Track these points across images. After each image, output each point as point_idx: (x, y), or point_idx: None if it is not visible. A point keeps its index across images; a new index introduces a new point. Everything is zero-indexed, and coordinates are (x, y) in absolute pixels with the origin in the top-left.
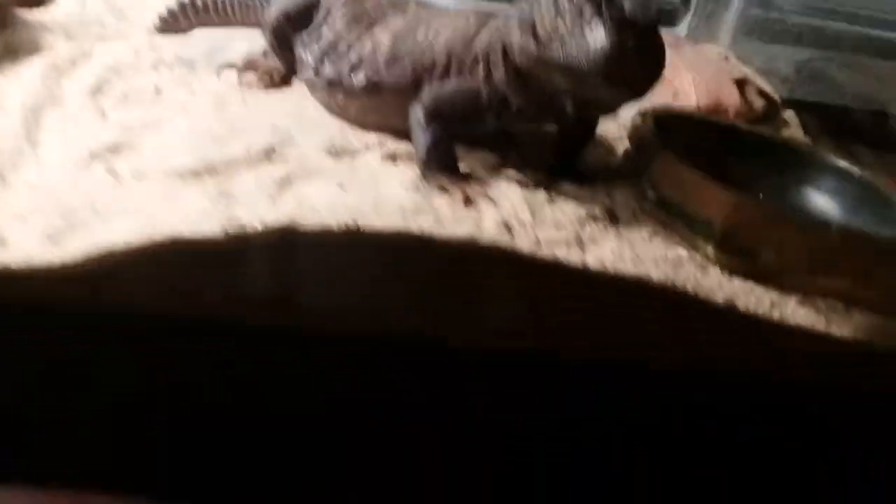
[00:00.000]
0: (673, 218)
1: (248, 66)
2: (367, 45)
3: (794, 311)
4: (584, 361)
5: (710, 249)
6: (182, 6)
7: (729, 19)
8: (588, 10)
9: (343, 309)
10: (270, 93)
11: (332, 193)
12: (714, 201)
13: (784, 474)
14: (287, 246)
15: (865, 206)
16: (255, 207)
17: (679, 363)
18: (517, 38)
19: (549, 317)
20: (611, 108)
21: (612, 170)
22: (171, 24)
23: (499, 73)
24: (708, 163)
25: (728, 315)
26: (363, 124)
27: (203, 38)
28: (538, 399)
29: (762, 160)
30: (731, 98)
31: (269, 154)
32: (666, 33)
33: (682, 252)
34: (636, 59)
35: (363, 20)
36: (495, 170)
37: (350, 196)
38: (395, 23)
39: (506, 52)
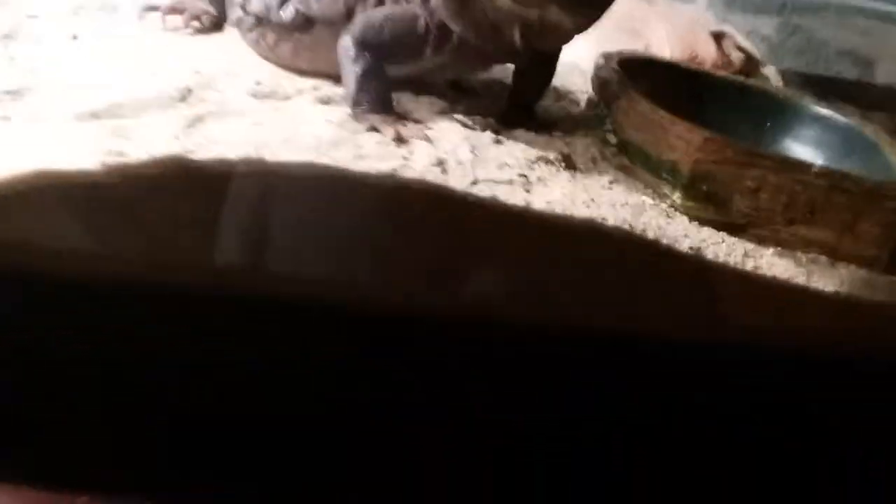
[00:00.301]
0: (637, 163)
1: (174, 9)
2: None
3: (770, 263)
4: (524, 319)
5: (676, 196)
6: None
7: None
8: None
9: (238, 259)
10: (198, 37)
11: (244, 131)
12: (679, 141)
13: (755, 445)
14: (176, 182)
15: (851, 154)
16: (152, 145)
17: (637, 321)
18: None
19: (485, 264)
20: (559, 28)
21: (575, 119)
22: None
23: None
24: (678, 111)
25: (694, 264)
26: (296, 67)
27: None
28: (463, 363)
29: (739, 108)
30: (707, 50)
31: (184, 96)
32: None
33: (646, 199)
34: None
35: None
36: (441, 114)
37: (263, 131)
38: None
39: None
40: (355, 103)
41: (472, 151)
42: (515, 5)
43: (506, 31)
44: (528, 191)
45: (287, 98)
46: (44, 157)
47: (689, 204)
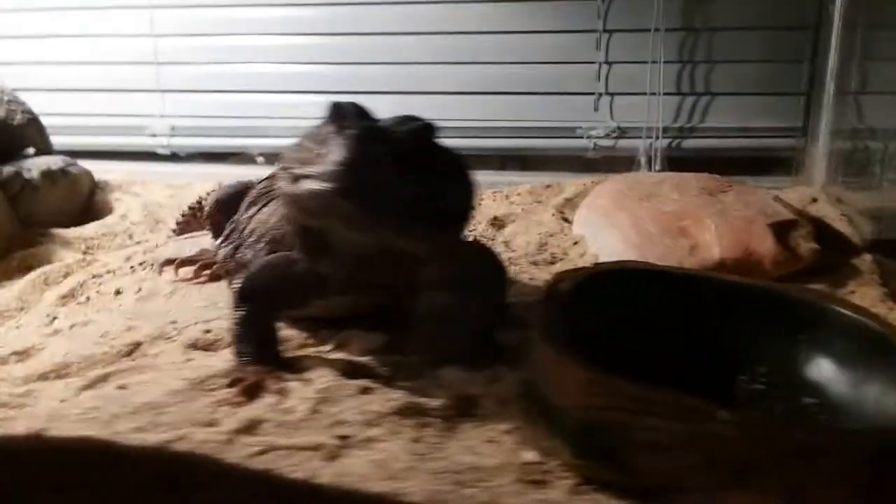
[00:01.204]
0: (537, 410)
1: (186, 261)
2: (250, 226)
3: None
4: None
5: (567, 452)
6: (185, 213)
7: None
8: (332, 135)
9: None
10: (204, 286)
11: (110, 394)
12: (567, 383)
13: None
14: None
15: (878, 373)
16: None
17: None
18: (283, 183)
19: None
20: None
21: None
22: (182, 229)
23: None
24: (694, 330)
25: None
26: None
27: (196, 240)
28: None
29: (772, 321)
30: (764, 245)
31: (131, 351)
32: (711, 178)
33: (527, 456)
34: (383, 178)
35: (261, 200)
36: (365, 353)
37: (116, 395)
38: None
39: None
40: (236, 353)
41: (316, 406)
42: (352, 236)
43: (372, 262)
44: (332, 458)
45: (220, 347)
46: None
47: (582, 462)
